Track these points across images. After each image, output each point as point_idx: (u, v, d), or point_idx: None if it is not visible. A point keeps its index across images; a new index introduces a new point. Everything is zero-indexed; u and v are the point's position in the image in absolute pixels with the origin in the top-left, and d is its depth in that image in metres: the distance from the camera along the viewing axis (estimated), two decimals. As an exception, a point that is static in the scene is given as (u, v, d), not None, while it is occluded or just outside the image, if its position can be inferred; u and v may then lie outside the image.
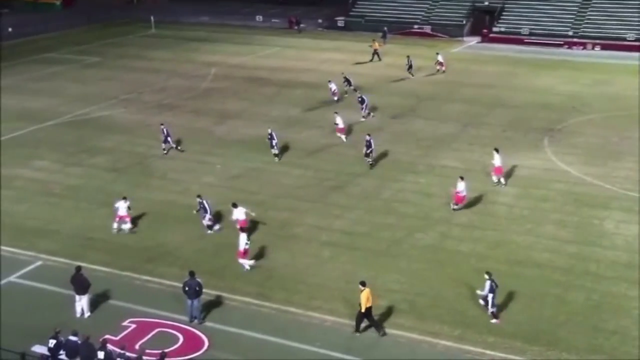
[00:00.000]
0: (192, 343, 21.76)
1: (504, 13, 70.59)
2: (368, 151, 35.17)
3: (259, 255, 27.05)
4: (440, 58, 54.90)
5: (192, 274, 22.82)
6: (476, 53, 64.02)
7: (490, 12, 71.15)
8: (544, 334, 22.20)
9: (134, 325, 22.56)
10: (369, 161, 35.32)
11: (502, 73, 55.59)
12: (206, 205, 28.51)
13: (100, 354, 19.87)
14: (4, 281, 25.34)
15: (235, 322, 22.81)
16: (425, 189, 33.09)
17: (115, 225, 28.68)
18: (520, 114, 44.53)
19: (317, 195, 32.66)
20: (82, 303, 23.08)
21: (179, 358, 20.67)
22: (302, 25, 74.56)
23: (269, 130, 36.70)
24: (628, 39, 64.25)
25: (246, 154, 37.39)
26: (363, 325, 22.21)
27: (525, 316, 23.15)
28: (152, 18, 74.93)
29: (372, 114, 43.44)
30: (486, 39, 68.27)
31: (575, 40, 65.67)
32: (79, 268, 23.48)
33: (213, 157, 37.32)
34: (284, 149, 38.14)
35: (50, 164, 36.72)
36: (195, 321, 22.68)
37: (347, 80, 47.72)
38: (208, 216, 28.58)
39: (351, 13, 75.99)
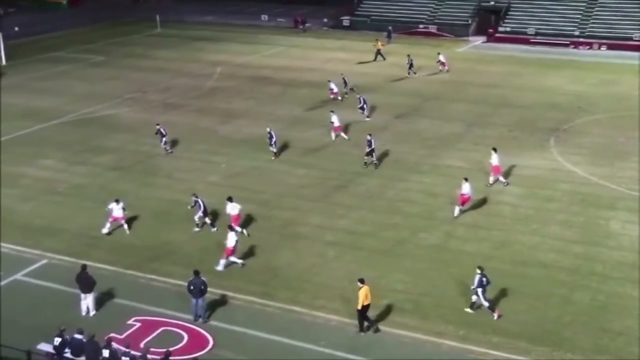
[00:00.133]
0: (197, 342, 21.77)
1: (510, 13, 70.47)
2: (369, 151, 35.16)
3: (263, 254, 27.09)
4: (442, 58, 54.89)
5: (196, 273, 22.84)
6: (482, 53, 63.94)
7: (496, 12, 71.02)
8: (549, 335, 22.15)
9: (138, 324, 22.58)
10: (373, 161, 35.27)
11: (508, 73, 55.49)
12: (200, 204, 28.62)
13: (105, 353, 19.90)
14: (9, 279, 25.42)
15: (239, 321, 22.82)
16: (430, 189, 33.05)
17: (107, 225, 28.41)
18: (526, 114, 44.44)
19: (322, 194, 32.65)
20: (87, 301, 23.12)
21: (184, 357, 20.66)
22: (307, 24, 74.56)
23: (268, 129, 36.83)
24: (635, 38, 64.08)
25: (251, 153, 37.40)
26: (366, 324, 22.21)
27: (530, 316, 23.09)
28: (157, 17, 75.04)
29: (369, 116, 43.17)
30: (492, 38, 68.16)
31: (581, 40, 65.51)
32: (84, 266, 23.52)
33: (218, 157, 37.35)
34: (289, 148, 38.18)
35: (55, 162, 36.80)
36: (200, 320, 22.70)
37: (345, 82, 47.72)
38: (199, 214, 28.64)
39: (356, 12, 75.97)
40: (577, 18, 68.00)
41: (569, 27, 67.33)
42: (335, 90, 46.46)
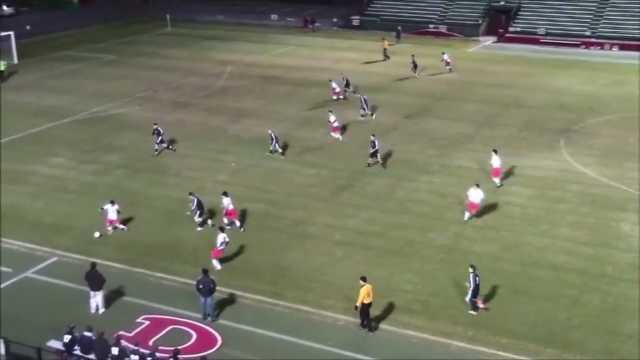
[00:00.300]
0: (205, 340, 21.82)
1: (520, 13, 70.21)
2: (373, 151, 35.13)
3: (272, 253, 27.12)
4: (446, 57, 54.82)
5: (205, 271, 22.90)
6: (492, 53, 63.76)
7: (507, 12, 70.78)
8: (558, 336, 22.07)
9: (147, 322, 22.66)
10: (377, 161, 35.25)
11: (518, 73, 55.30)
12: (196, 202, 28.86)
13: (115, 350, 19.99)
14: (20, 276, 25.55)
15: (248, 320, 22.85)
16: (439, 189, 32.99)
17: (110, 229, 28.42)
18: (536, 115, 44.29)
19: (331, 194, 32.65)
20: (96, 299, 23.22)
21: (192, 355, 20.70)
22: (316, 24, 74.57)
23: (269, 132, 37.03)
24: (646, 39, 63.78)
25: (260, 152, 37.43)
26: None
27: (540, 318, 23.02)
28: (168, 16, 75.22)
29: (366, 115, 43.12)
30: (502, 38, 67.94)
31: (592, 40, 65.19)
32: (93, 264, 23.62)
33: (228, 155, 37.41)
34: (299, 147, 38.21)
35: (66, 161, 36.96)
36: (209, 319, 22.75)
37: (346, 81, 47.75)
38: (194, 210, 28.88)
39: (366, 12, 75.89)
40: (588, 18, 67.68)
41: (580, 27, 67.00)
42: (337, 89, 46.58)
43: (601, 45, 64.44)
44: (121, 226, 28.73)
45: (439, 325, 22.60)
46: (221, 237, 25.49)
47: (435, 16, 72.98)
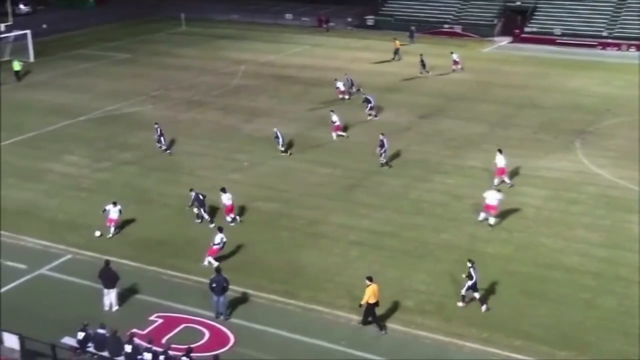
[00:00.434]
0: (218, 339, 21.85)
1: (536, 13, 69.82)
2: (382, 151, 35.05)
3: (285, 252, 27.12)
4: (455, 57, 54.65)
5: (218, 270, 22.95)
6: (507, 53, 63.42)
7: (522, 12, 70.39)
8: (572, 339, 21.92)
9: (160, 320, 22.73)
10: (382, 161, 35.17)
11: (534, 74, 54.98)
12: (197, 199, 29.08)
13: (128, 348, 20.08)
14: (35, 273, 25.72)
15: (260, 319, 22.86)
16: (454, 190, 32.86)
17: (112, 230, 28.35)
18: (551, 116, 44.03)
19: (345, 194, 32.61)
20: (110, 297, 23.31)
21: (205, 353, 20.72)
22: (330, 24, 74.50)
23: (275, 130, 37.23)
24: (664, 40, 63.25)
25: (274, 151, 37.42)
26: (370, 319, 22.25)
27: (554, 320, 22.87)
28: (182, 15, 75.42)
29: (377, 115, 43.22)
30: (517, 39, 67.56)
31: (609, 41, 64.70)
32: (107, 262, 23.72)
33: (241, 154, 37.45)
34: (313, 147, 38.24)
35: (80, 159, 37.14)
36: (221, 317, 22.78)
37: (351, 82, 47.76)
38: (195, 205, 29.16)
39: (381, 12, 75.73)
40: (605, 18, 67.18)
41: (596, 27, 66.53)
42: (342, 89, 46.62)
43: (618, 46, 63.92)
44: (112, 229, 28.34)
45: (452, 326, 22.51)
46: (218, 238, 25.59)
47: (450, 16, 72.72)
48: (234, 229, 28.70)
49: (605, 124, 42.46)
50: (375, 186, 33.37)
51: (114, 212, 28.20)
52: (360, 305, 22.23)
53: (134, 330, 21.48)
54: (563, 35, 66.33)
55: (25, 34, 59.16)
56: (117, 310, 23.34)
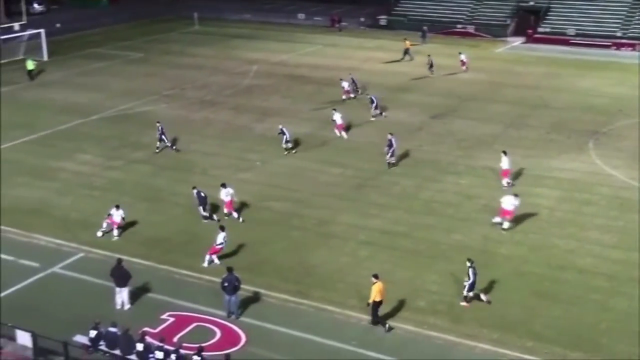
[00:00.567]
0: (230, 338, 21.88)
1: (550, 13, 69.46)
2: (390, 151, 34.98)
3: (296, 252, 27.13)
4: (463, 57, 54.51)
5: (230, 269, 22.97)
6: (520, 54, 63.13)
7: (536, 12, 70.05)
8: (585, 341, 21.80)
9: (172, 319, 22.79)
10: (390, 161, 35.10)
11: (547, 74, 54.70)
12: (197, 196, 29.20)
13: (139, 346, 20.15)
14: (47, 272, 25.86)
15: (272, 318, 22.89)
16: (466, 190, 32.75)
17: (104, 226, 28.26)
18: (564, 116, 43.79)
19: (356, 193, 32.58)
20: (122, 295, 23.39)
21: (216, 352, 20.75)
22: (343, 23, 74.43)
23: (280, 127, 37.37)
24: (679, 40, 62.72)
25: (292, 153, 37.40)
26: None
27: (566, 322, 22.76)
28: (195, 15, 75.61)
29: (384, 113, 43.20)
30: (531, 39, 67.22)
31: (623, 41, 64.26)
32: (119, 260, 23.81)
33: (253, 154, 37.50)
34: (324, 147, 38.25)
35: (93, 157, 37.30)
36: (233, 316, 22.81)
37: (354, 82, 47.73)
38: (199, 207, 29.32)
39: (393, 12, 75.60)
40: (620, 19, 66.73)
41: (610, 28, 66.10)
42: (347, 89, 46.71)
43: (632, 47, 63.41)
44: (116, 232, 28.26)
45: (463, 327, 22.44)
46: (221, 237, 25.64)
47: (463, 16, 72.48)
48: (246, 228, 28.77)
49: (619, 124, 42.18)
50: (387, 186, 33.32)
51: (116, 215, 28.14)
52: (368, 305, 22.21)
53: (146, 328, 21.55)
54: (577, 35, 65.92)
55: (39, 33, 59.51)
56: (128, 308, 23.43)
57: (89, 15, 79.00)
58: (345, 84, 46.97)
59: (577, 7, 68.76)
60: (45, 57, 59.01)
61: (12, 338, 21.04)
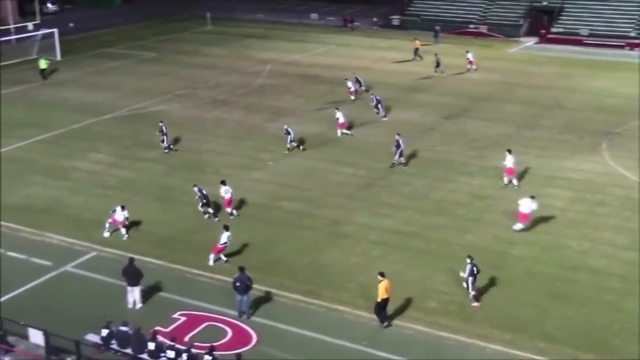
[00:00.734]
0: (241, 338, 21.92)
1: (563, 13, 69.09)
2: (398, 151, 34.91)
3: (308, 252, 27.14)
4: (470, 56, 54.35)
5: (242, 269, 22.99)
6: (533, 54, 62.83)
7: (549, 12, 69.71)
8: (597, 342, 21.68)
9: (184, 318, 22.85)
10: (399, 161, 35.01)
11: (560, 74, 54.42)
12: (201, 194, 29.42)
13: (151, 345, 20.22)
14: (60, 270, 26.00)
15: (283, 318, 22.91)
16: (478, 191, 32.64)
17: (107, 227, 28.34)
18: (577, 117, 43.56)
19: (368, 193, 32.54)
20: (134, 294, 23.48)
21: (228, 352, 20.79)
22: (356, 23, 74.38)
23: (285, 127, 37.48)
24: (693, 40, 62.17)
25: (298, 151, 37.46)
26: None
27: (578, 323, 22.64)
28: (208, 15, 75.80)
29: (386, 115, 43.05)
30: (544, 39, 66.88)
31: (637, 41, 63.79)
32: (131, 259, 23.91)
33: (265, 154, 37.54)
34: (336, 146, 38.24)
35: (106, 157, 37.47)
36: (244, 316, 22.85)
37: (358, 81, 47.73)
38: (200, 204, 29.53)
39: (406, 12, 75.45)
40: (634, 19, 66.26)
41: (624, 28, 65.65)
42: (352, 88, 46.71)
43: (646, 47, 63.06)
44: (123, 231, 28.30)
45: (475, 327, 22.37)
46: (225, 236, 25.67)
47: (476, 16, 72.23)
48: (257, 227, 28.83)
49: (632, 125, 41.89)
50: (398, 186, 33.27)
51: (120, 214, 28.16)
52: (380, 304, 22.12)
53: (157, 327, 21.63)
54: (590, 35, 65.52)
55: (52, 33, 59.87)
56: (140, 307, 23.52)
57: (102, 14, 79.40)
58: (350, 83, 46.95)
59: (590, 7, 68.36)
60: (59, 57, 59.36)
61: (25, 336, 21.16)
